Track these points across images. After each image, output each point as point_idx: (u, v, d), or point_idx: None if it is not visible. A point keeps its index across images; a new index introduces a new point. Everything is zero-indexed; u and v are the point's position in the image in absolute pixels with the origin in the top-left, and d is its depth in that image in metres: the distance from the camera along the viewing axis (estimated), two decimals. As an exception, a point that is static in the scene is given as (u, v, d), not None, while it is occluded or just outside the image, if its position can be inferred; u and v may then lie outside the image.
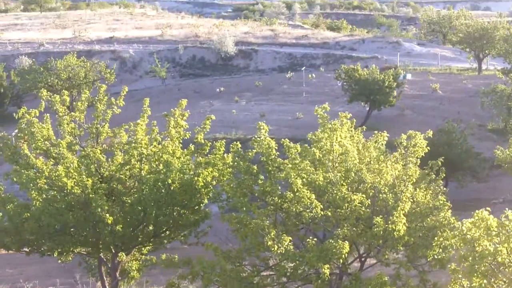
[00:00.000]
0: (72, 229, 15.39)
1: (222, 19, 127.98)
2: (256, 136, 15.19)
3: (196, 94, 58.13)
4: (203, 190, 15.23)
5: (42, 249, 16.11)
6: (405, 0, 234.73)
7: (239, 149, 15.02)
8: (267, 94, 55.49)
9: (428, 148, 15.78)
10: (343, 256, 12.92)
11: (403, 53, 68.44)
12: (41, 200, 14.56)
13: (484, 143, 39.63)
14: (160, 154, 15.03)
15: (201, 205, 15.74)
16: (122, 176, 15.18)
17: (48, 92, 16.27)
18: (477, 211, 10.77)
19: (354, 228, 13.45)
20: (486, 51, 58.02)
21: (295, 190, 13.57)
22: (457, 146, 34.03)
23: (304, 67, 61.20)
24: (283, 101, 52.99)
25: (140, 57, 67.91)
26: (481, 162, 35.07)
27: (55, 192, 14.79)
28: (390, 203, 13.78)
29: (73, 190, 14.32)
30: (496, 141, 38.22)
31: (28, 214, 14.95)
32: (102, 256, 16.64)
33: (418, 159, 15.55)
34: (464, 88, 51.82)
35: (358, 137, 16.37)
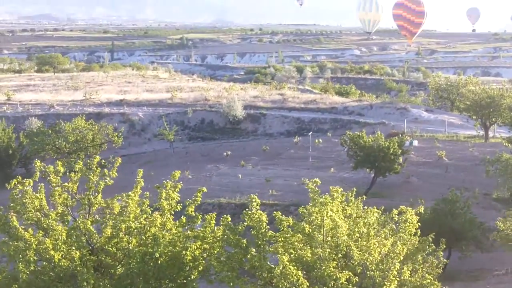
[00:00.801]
0: (60, 302, 15.34)
1: (232, 82, 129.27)
2: (247, 209, 15.27)
3: (203, 157, 58.40)
4: (191, 264, 15.21)
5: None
6: (415, 65, 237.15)
7: (229, 222, 15.08)
8: (273, 158, 55.62)
9: (419, 224, 15.75)
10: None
11: (411, 119, 68.70)
12: (28, 272, 14.56)
13: (489, 212, 39.32)
14: (148, 228, 15.06)
15: (189, 278, 15.67)
16: (110, 248, 15.19)
17: (42, 163, 16.43)
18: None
19: (340, 306, 13.39)
20: (493, 119, 58.05)
21: (281, 266, 13.58)
22: (461, 215, 33.78)
23: (311, 132, 61.51)
24: (289, 165, 52.99)
25: (149, 120, 68.54)
26: (485, 232, 34.75)
27: (45, 263, 14.82)
28: (377, 281, 13.73)
29: (60, 263, 14.33)
30: (501, 211, 37.96)
31: (16, 286, 14.95)
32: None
33: (411, 235, 15.52)
34: (470, 155, 51.78)
35: (351, 210, 16.38)
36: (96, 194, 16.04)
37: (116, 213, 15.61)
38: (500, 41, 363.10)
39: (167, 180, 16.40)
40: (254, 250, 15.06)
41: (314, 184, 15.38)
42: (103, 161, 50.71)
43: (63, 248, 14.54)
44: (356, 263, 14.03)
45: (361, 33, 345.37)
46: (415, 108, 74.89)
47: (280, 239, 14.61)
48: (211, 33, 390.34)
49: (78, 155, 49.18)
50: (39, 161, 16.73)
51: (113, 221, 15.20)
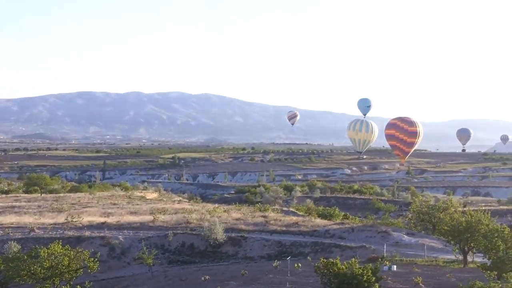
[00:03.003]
0: None
1: (222, 201, 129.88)
2: None
3: (182, 282, 57.95)
4: None
5: None
6: (405, 184, 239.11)
7: None
8: (251, 283, 55.19)
9: None
10: None
11: (391, 243, 68.76)
12: None
13: None
14: None
15: None
16: None
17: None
18: None
19: None
20: (471, 244, 57.89)
21: None
22: None
23: (289, 257, 61.33)
24: (266, 291, 52.63)
25: (129, 243, 68.44)
26: None
27: None
28: None
29: None
30: None
31: None
32: None
33: None
34: (447, 282, 51.47)
35: None
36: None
37: None
38: (489, 161, 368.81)
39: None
40: None
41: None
42: (78, 286, 50.17)
43: None
44: None
45: (352, 152, 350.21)
46: (396, 231, 75.02)
47: None
48: (203, 152, 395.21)
49: (53, 280, 48.88)
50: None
51: None
